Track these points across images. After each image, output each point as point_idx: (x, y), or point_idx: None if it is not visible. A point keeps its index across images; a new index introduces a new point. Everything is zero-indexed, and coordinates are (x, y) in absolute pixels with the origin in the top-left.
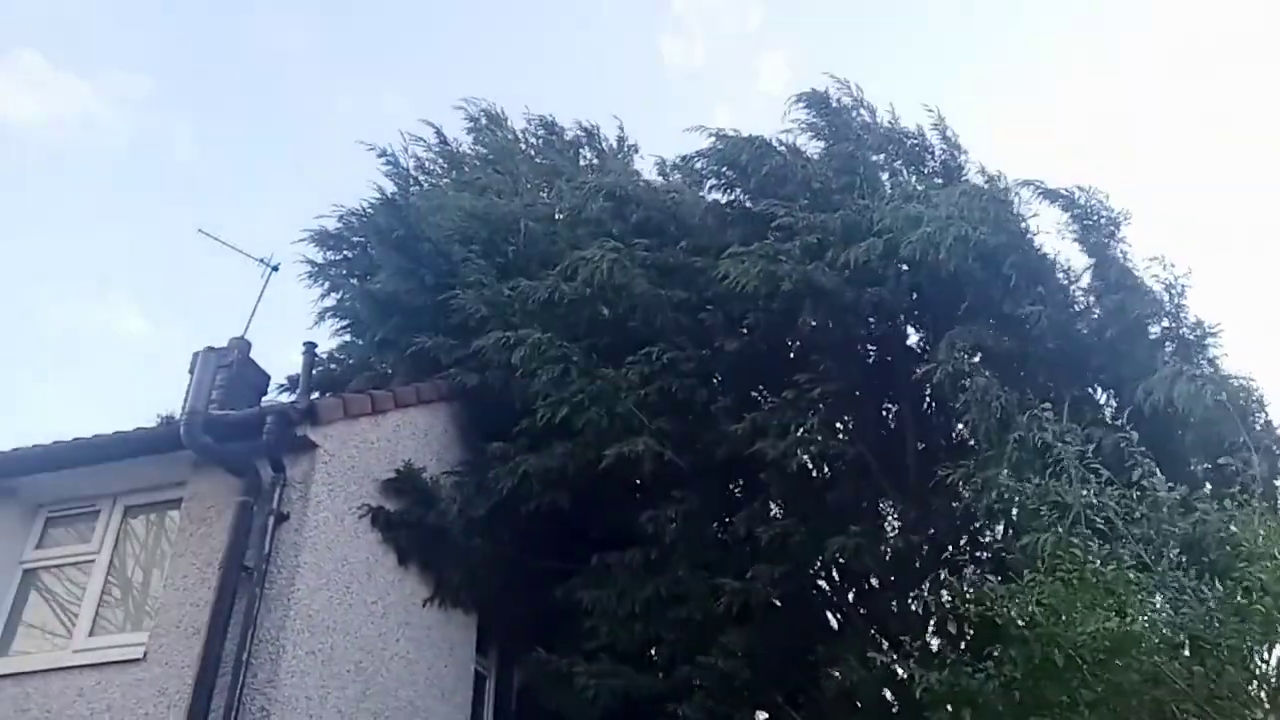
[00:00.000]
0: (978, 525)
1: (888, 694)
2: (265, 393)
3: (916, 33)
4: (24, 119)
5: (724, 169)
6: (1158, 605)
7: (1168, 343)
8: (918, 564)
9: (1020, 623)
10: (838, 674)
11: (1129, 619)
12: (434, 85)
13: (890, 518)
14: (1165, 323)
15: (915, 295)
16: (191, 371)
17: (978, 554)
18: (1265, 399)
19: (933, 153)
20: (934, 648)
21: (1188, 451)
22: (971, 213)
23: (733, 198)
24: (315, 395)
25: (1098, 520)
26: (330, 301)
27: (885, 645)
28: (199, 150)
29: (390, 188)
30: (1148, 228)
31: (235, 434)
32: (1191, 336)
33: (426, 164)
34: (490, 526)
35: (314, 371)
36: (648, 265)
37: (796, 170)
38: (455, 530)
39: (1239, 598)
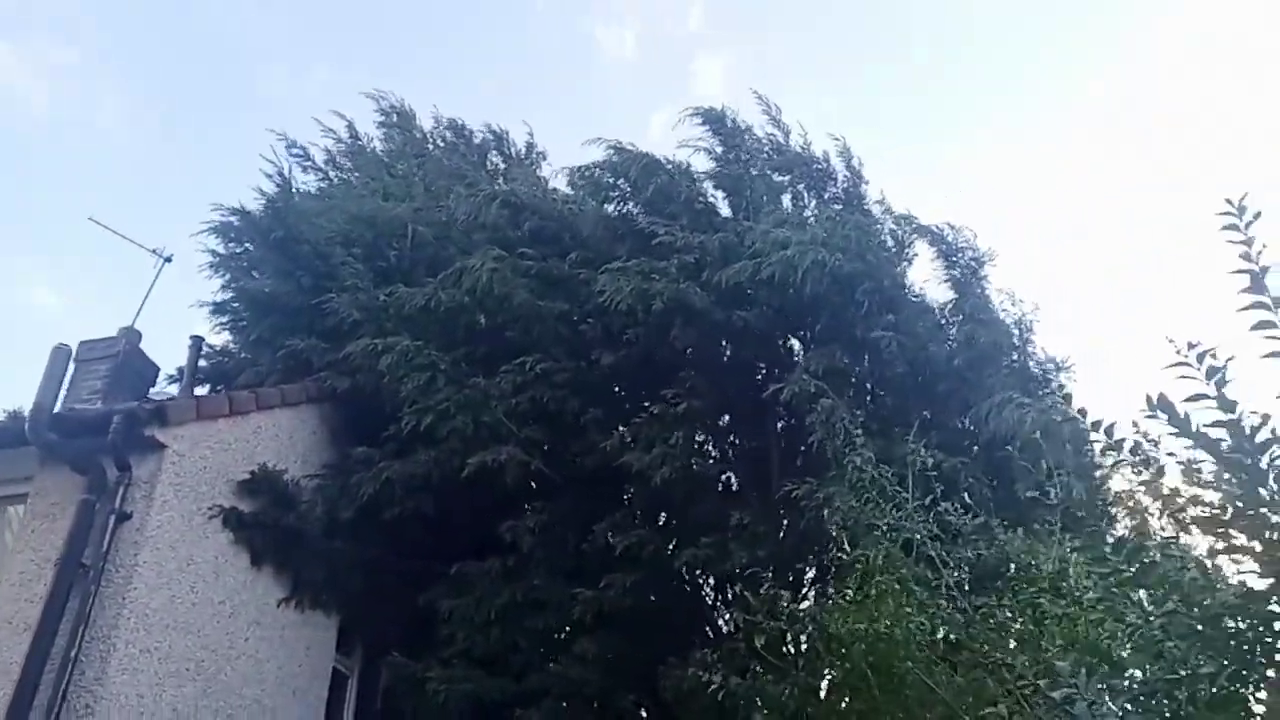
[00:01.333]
0: (823, 541)
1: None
2: (153, 384)
3: (863, 49)
4: None
5: (618, 182)
6: (917, 617)
7: (1007, 373)
8: (766, 575)
9: (833, 632)
10: (673, 680)
11: (891, 628)
12: (368, 59)
13: (746, 531)
14: (1013, 355)
15: (780, 317)
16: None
17: (823, 567)
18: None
19: (835, 179)
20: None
21: (1018, 476)
22: (833, 239)
23: (624, 211)
24: (199, 389)
25: (909, 541)
26: (224, 295)
27: (715, 654)
28: (125, 123)
29: (271, 188)
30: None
31: (81, 432)
32: (1036, 369)
33: (337, 157)
34: (353, 530)
35: (207, 364)
36: (532, 275)
37: (681, 189)
38: (315, 533)
39: (1008, 614)
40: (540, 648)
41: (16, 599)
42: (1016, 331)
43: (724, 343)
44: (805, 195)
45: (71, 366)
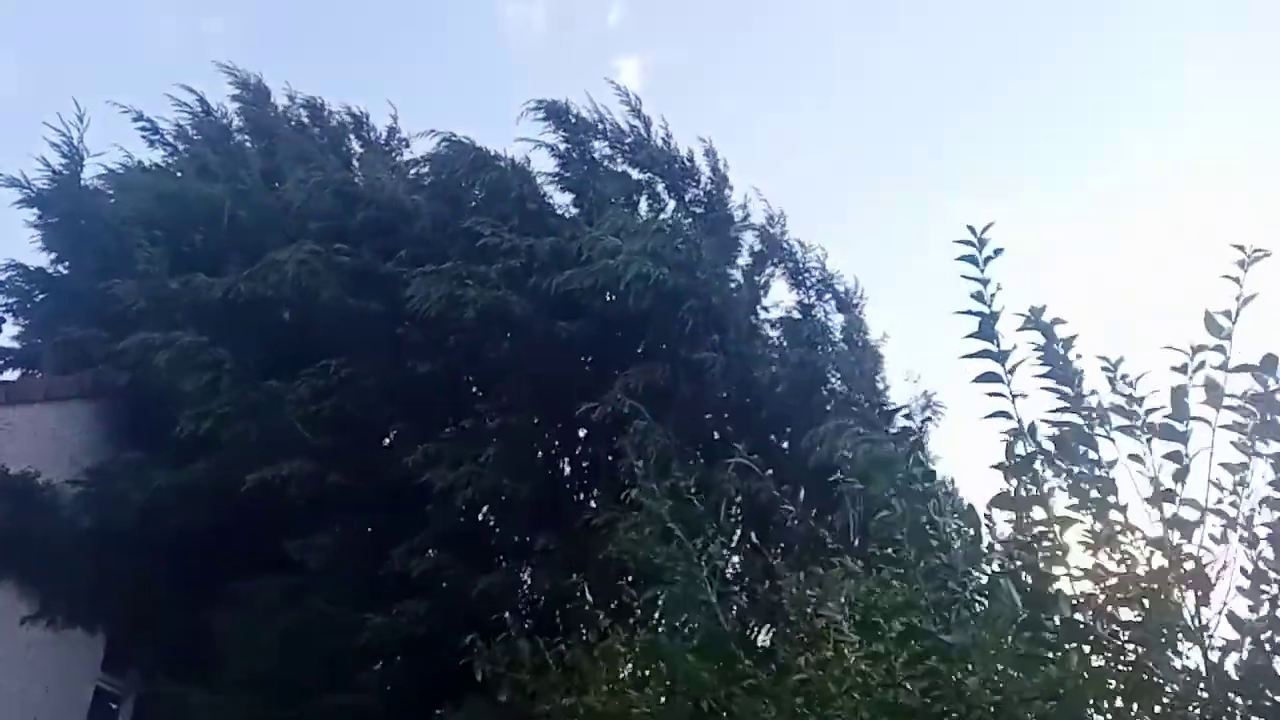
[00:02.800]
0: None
1: None
2: None
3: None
4: None
5: (452, 175)
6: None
7: (840, 401)
8: (557, 609)
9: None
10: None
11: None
12: (254, 13)
13: (549, 559)
14: (850, 385)
15: (608, 330)
16: None
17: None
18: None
19: (698, 180)
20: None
21: (842, 505)
22: (664, 252)
23: (453, 209)
24: None
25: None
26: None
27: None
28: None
29: (57, 160)
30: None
31: None
32: (871, 401)
33: (188, 130)
34: (121, 542)
35: None
36: (348, 272)
37: (513, 187)
38: (72, 544)
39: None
40: (323, 675)
41: None
42: (853, 357)
43: (547, 355)
44: (664, 195)
45: None
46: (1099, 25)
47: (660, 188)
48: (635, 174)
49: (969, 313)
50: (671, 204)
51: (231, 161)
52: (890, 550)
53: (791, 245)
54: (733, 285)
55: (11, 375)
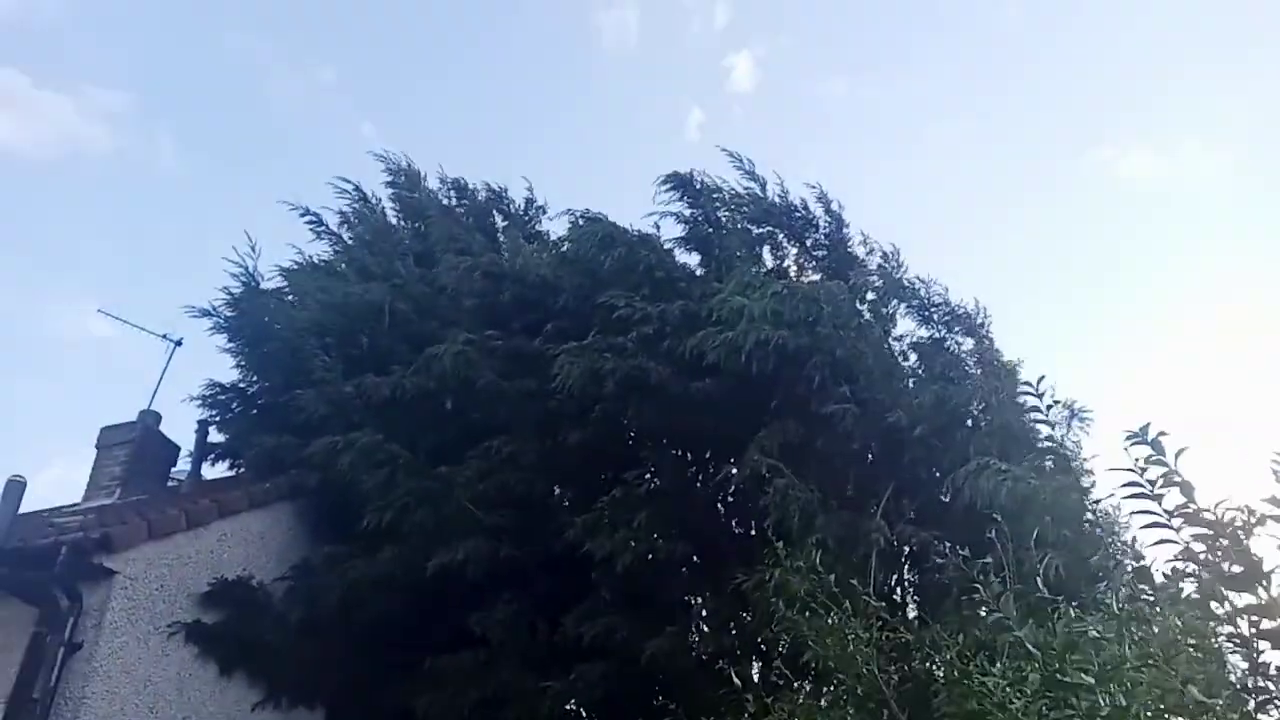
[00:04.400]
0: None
1: None
2: (174, 464)
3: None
4: (9, 139)
5: (586, 250)
6: None
7: (985, 434)
8: (720, 664)
9: None
10: None
11: None
12: (379, 73)
13: (709, 620)
14: (990, 415)
15: (742, 387)
16: None
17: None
18: (1086, 497)
19: (817, 225)
20: None
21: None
22: (781, 311)
23: (593, 282)
24: (215, 469)
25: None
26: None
27: None
28: (182, 163)
29: (237, 287)
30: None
31: (31, 565)
32: (1023, 427)
33: (351, 219)
34: (326, 631)
35: (211, 445)
36: (500, 355)
37: (641, 258)
38: (285, 637)
39: None
40: None
41: None
42: (994, 386)
43: (686, 416)
44: (786, 244)
45: (94, 453)
46: None
47: (781, 237)
48: (755, 229)
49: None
50: (794, 250)
51: (388, 256)
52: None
53: (912, 282)
54: (858, 326)
55: (222, 467)
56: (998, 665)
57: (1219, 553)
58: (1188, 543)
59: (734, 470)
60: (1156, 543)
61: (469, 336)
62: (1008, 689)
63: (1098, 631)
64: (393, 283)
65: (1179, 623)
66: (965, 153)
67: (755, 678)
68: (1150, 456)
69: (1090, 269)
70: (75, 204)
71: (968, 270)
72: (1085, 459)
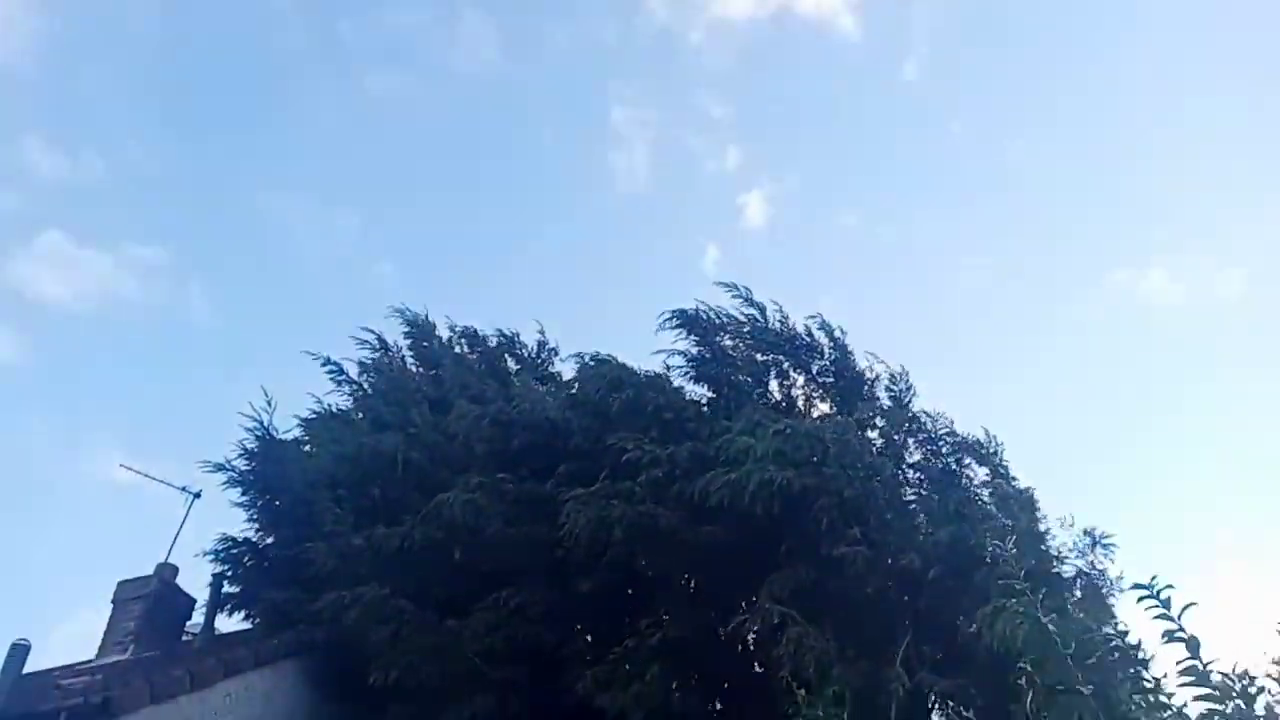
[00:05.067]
0: None
1: None
2: (189, 617)
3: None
4: (53, 298)
5: (596, 392)
6: None
7: (1002, 576)
8: None
9: None
10: None
11: None
12: (398, 216)
13: None
14: (1010, 553)
15: (750, 531)
16: None
17: None
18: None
19: (821, 352)
20: None
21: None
22: (786, 451)
23: (601, 425)
24: (221, 625)
25: None
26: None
27: None
28: (215, 316)
29: (251, 442)
30: None
31: None
32: (1041, 565)
33: (371, 369)
34: None
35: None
36: (510, 500)
37: (649, 400)
38: None
39: None
40: None
41: None
42: (1013, 523)
43: (695, 561)
44: (791, 372)
45: (110, 607)
46: None
47: (787, 365)
48: (760, 356)
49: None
50: (800, 379)
51: (403, 405)
52: None
53: (920, 414)
54: (867, 464)
55: (238, 618)
56: None
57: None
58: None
59: (746, 618)
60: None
61: (479, 481)
62: None
63: None
64: (407, 431)
65: None
66: (980, 281)
67: None
68: (1156, 613)
69: (1110, 392)
70: (109, 353)
71: (981, 398)
72: (1112, 587)
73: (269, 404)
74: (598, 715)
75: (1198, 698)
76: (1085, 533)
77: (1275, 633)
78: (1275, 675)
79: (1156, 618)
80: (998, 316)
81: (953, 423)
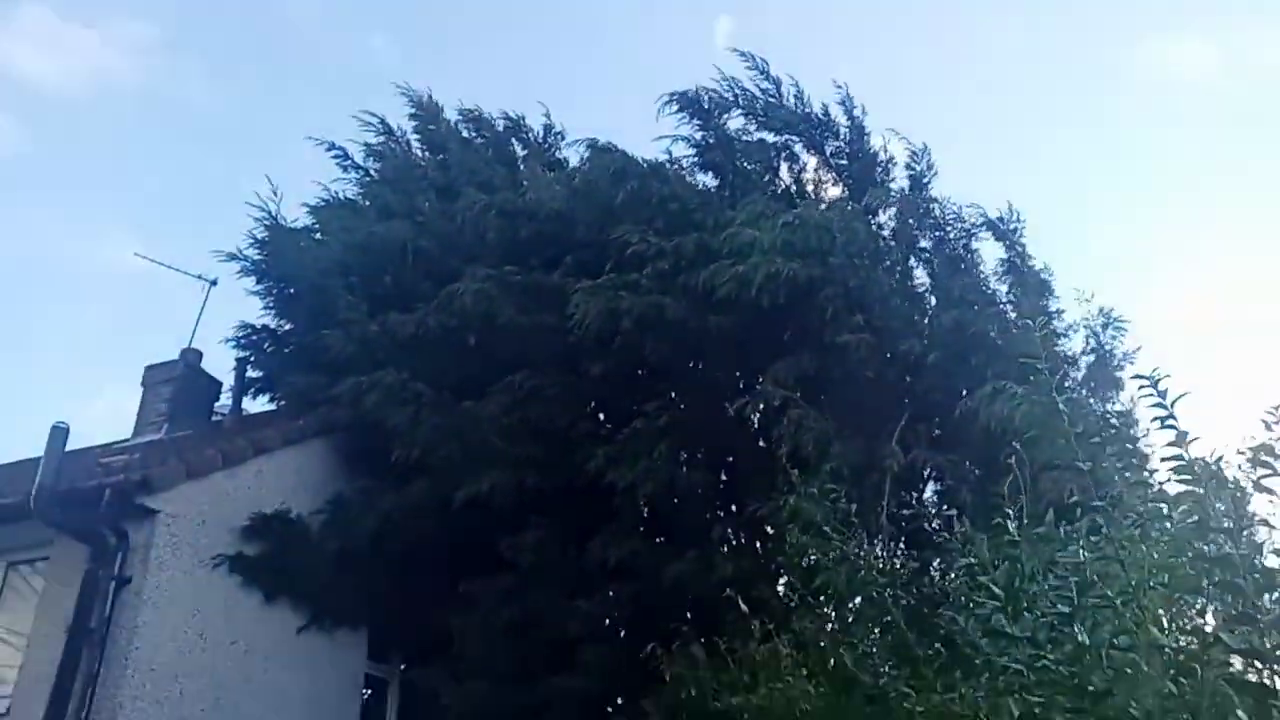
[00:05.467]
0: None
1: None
2: (217, 399)
3: None
4: (36, 74)
5: (600, 184)
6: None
7: (996, 354)
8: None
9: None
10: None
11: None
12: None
13: (728, 545)
14: (1004, 333)
15: (756, 321)
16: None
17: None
18: (1103, 420)
19: (837, 132)
20: None
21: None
22: (794, 241)
23: (606, 216)
24: (247, 407)
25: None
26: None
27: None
28: (214, 98)
29: (261, 230)
30: None
31: (80, 506)
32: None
33: (376, 152)
34: (362, 560)
35: (250, 380)
36: (519, 291)
37: (654, 191)
38: (324, 566)
39: None
40: (546, 660)
41: (40, 660)
42: (1022, 305)
43: (702, 350)
44: (803, 155)
45: (140, 390)
46: None
47: (798, 147)
48: (771, 138)
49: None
50: (813, 162)
51: (409, 193)
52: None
53: (938, 198)
54: (873, 252)
55: (263, 399)
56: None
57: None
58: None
59: (749, 401)
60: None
61: (488, 273)
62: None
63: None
64: (415, 220)
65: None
66: (1010, 52)
67: (770, 601)
68: (1153, 402)
69: (1141, 169)
70: (109, 142)
71: (1005, 177)
72: (1119, 366)
73: (275, 193)
74: (609, 490)
75: (1178, 480)
76: (1100, 311)
77: (1260, 421)
78: (1249, 458)
79: (1153, 406)
80: (1026, 91)
81: (971, 204)
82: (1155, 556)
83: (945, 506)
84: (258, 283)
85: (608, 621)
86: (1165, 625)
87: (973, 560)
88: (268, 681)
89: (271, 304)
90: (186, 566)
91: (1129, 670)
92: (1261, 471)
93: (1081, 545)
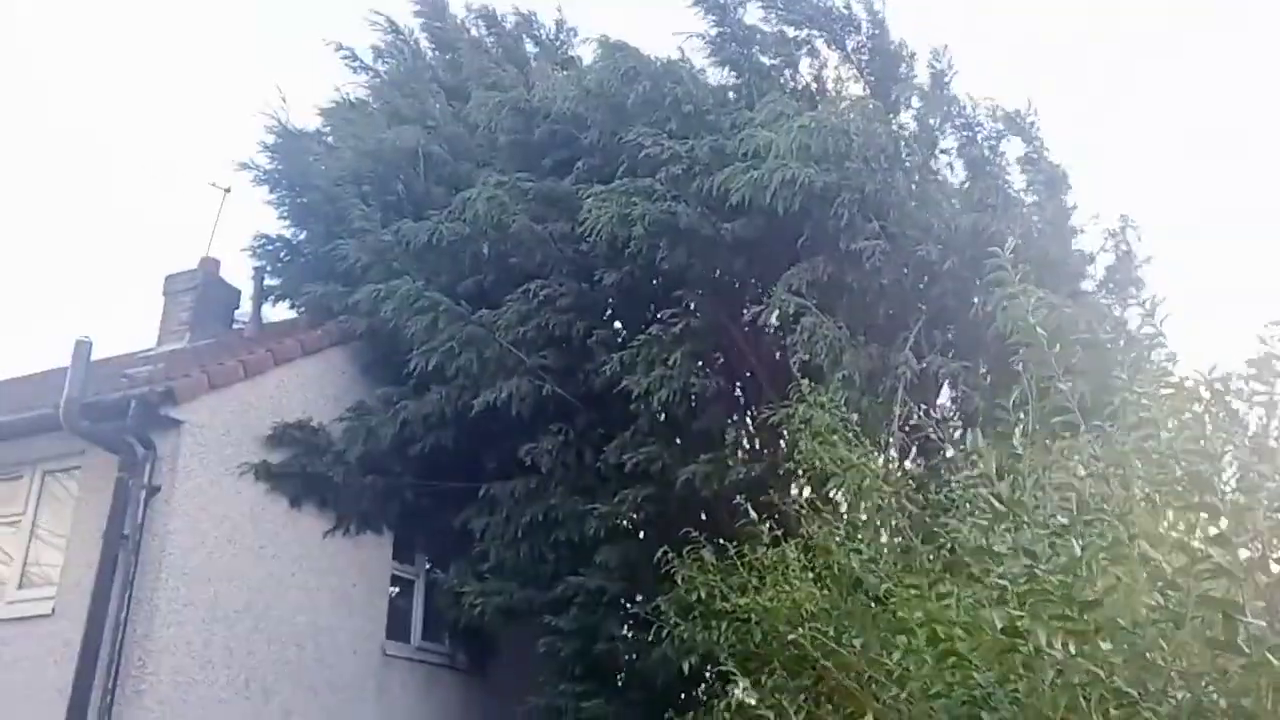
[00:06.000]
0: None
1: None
2: (237, 306)
3: None
4: None
5: (612, 85)
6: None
7: (1025, 263)
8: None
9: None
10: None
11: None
12: None
13: (743, 449)
14: (1022, 240)
15: (771, 227)
16: None
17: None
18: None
19: (858, 26)
20: None
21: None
22: (810, 145)
23: (618, 119)
24: (267, 315)
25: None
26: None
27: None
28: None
29: (270, 140)
30: None
31: (107, 417)
32: (1064, 254)
33: (386, 51)
34: (384, 466)
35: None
36: (532, 197)
37: (668, 92)
38: (348, 472)
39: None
40: (564, 559)
41: (79, 565)
42: (1040, 208)
43: (717, 257)
44: (825, 50)
45: (162, 299)
46: None
47: (819, 42)
48: (792, 32)
49: None
50: (833, 57)
51: (419, 96)
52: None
53: (958, 97)
54: (892, 155)
55: (283, 306)
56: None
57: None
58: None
59: (763, 309)
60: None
61: (500, 179)
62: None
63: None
64: (425, 124)
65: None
66: None
67: (779, 507)
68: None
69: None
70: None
71: (1023, 77)
72: (1138, 274)
73: (283, 100)
74: (624, 396)
75: (1166, 398)
76: (1120, 217)
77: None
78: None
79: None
80: None
81: (992, 102)
82: (1147, 472)
83: (958, 414)
84: (271, 191)
85: (624, 523)
86: (1158, 540)
87: (977, 471)
88: (297, 584)
89: (286, 213)
90: (213, 475)
91: (1119, 580)
92: (1257, 386)
93: (1079, 460)
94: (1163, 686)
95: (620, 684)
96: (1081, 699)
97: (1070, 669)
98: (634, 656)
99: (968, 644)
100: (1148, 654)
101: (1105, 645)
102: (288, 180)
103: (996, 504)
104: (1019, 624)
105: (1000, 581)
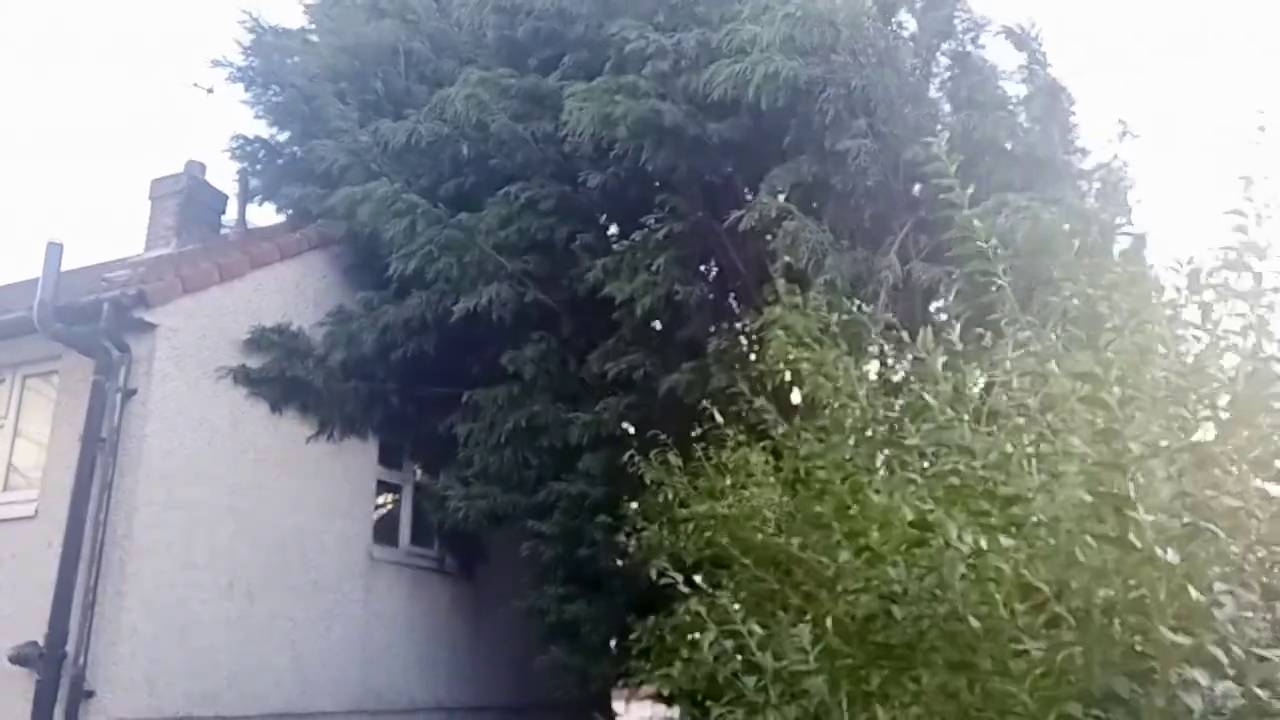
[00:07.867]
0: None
1: None
2: (224, 211)
3: None
4: None
5: None
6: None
7: (1011, 163)
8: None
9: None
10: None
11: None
12: None
13: (725, 356)
14: (1016, 141)
15: (758, 127)
16: None
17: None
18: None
19: None
20: None
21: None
22: (796, 36)
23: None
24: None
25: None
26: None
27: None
28: None
29: (244, 38)
30: None
31: (81, 320)
32: (1059, 155)
33: None
34: (366, 371)
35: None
36: (514, 95)
37: None
38: (329, 377)
39: None
40: (548, 465)
41: (60, 467)
42: (1035, 111)
43: (702, 159)
44: None
45: (149, 204)
46: None
47: None
48: None
49: None
50: None
51: None
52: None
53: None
54: (882, 50)
55: (270, 209)
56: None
57: None
58: None
59: (745, 213)
60: None
61: (482, 75)
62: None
63: None
64: (406, 18)
65: None
66: None
67: (748, 413)
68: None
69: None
70: None
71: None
72: (1132, 181)
73: None
74: (607, 303)
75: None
76: (1120, 122)
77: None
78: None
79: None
80: None
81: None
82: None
83: (946, 320)
84: (246, 89)
85: (606, 431)
86: (1086, 436)
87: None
88: (280, 488)
89: (262, 112)
90: (191, 379)
91: (1048, 476)
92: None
93: (1008, 358)
94: (1088, 583)
95: (602, 587)
96: (996, 594)
97: (982, 565)
98: (615, 561)
99: (879, 538)
100: (1071, 551)
101: (1011, 541)
102: (263, 77)
103: (930, 400)
104: (929, 517)
105: (910, 476)
